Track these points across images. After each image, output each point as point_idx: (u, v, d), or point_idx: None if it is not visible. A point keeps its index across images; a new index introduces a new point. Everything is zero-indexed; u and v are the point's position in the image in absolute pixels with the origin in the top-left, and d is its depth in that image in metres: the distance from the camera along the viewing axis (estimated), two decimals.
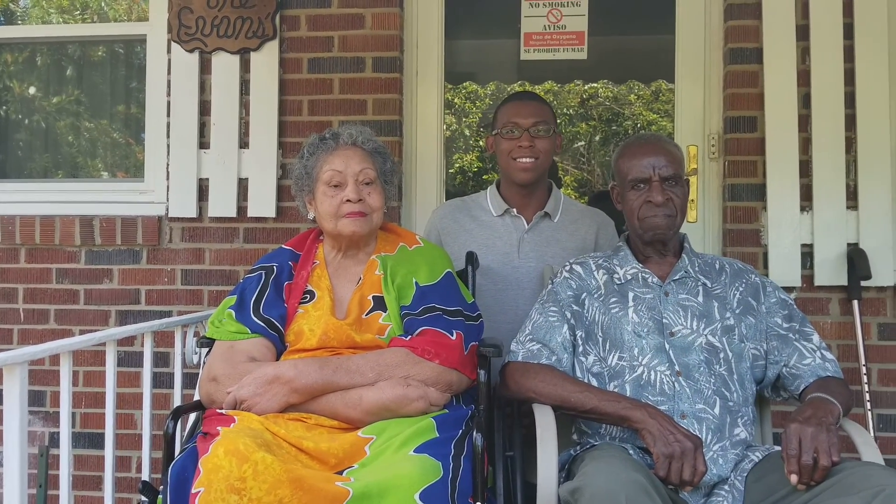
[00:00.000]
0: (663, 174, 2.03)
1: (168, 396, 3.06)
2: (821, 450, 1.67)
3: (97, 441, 3.22)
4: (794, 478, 1.68)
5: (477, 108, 9.62)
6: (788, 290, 2.95)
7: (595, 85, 9.15)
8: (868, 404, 2.82)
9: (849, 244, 2.95)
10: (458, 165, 9.32)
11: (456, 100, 9.31)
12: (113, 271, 3.31)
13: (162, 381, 3.05)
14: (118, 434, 3.16)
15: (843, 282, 2.94)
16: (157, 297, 3.29)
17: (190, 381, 2.39)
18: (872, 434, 2.81)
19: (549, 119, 2.49)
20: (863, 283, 2.91)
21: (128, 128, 3.64)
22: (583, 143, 10.24)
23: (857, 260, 2.88)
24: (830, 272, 2.95)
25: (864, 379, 2.84)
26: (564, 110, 9.69)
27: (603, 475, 1.57)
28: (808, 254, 2.98)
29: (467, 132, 9.90)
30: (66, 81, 3.66)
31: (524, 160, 2.45)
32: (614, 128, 9.74)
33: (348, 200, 2.03)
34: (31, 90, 3.67)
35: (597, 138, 10.07)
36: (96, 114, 3.65)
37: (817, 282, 2.97)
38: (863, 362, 2.85)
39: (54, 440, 3.26)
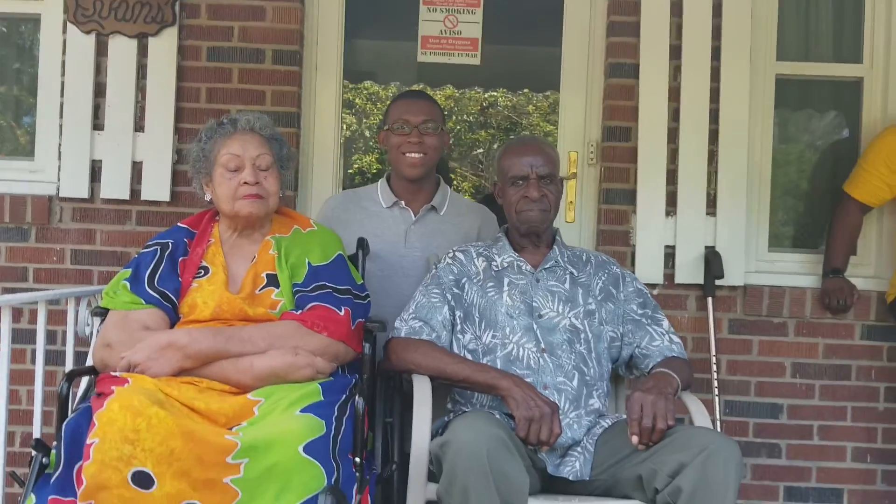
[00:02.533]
0: (540, 172, 2.24)
1: (55, 374, 3.07)
2: (658, 415, 1.91)
3: None
4: (634, 438, 1.93)
5: (378, 109, 9.72)
6: (652, 286, 3.21)
7: (494, 94, 9.41)
8: (716, 391, 3.12)
9: (706, 247, 3.23)
10: (357, 166, 9.41)
11: (357, 100, 9.40)
12: (0, 248, 3.28)
13: (51, 358, 3.04)
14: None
15: (700, 280, 3.22)
16: (45, 276, 3.28)
17: (79, 358, 2.43)
18: (719, 418, 3.11)
19: (437, 117, 2.66)
20: (717, 282, 3.19)
21: (8, 109, 3.60)
22: (481, 150, 10.48)
23: (712, 261, 3.17)
24: (689, 271, 3.23)
25: (714, 368, 3.13)
26: (465, 117, 9.93)
27: (468, 430, 1.76)
28: (670, 254, 3.25)
29: (367, 133, 10.00)
30: None
31: (413, 155, 2.61)
32: (512, 136, 10.01)
33: (245, 183, 2.13)
34: None
35: (495, 146, 10.31)
36: None
37: (677, 280, 3.24)
38: (713, 353, 3.14)
39: None
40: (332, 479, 1.73)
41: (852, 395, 3.31)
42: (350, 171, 9.06)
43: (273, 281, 2.13)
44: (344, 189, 3.45)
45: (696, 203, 3.24)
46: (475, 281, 2.27)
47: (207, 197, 2.24)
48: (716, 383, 3.11)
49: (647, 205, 3.24)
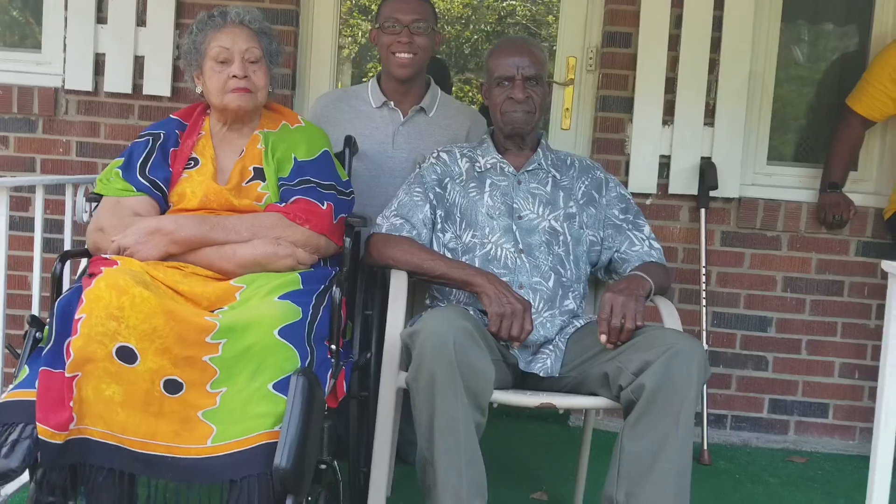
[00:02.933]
0: (526, 74, 2.25)
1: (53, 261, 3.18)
2: (628, 315, 1.97)
3: None
4: (603, 337, 1.99)
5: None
6: (645, 196, 3.25)
7: (513, 2, 9.19)
8: (704, 301, 3.18)
9: (702, 157, 3.24)
10: (371, 74, 9.24)
11: (373, 6, 9.20)
12: (9, 138, 3.36)
13: (54, 245, 3.16)
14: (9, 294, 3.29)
15: (694, 191, 3.24)
16: (51, 167, 3.36)
17: (78, 244, 2.52)
18: (706, 328, 3.18)
19: (429, 17, 2.64)
20: (711, 194, 3.22)
21: (27, 7, 3.61)
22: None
23: (707, 172, 3.19)
24: (683, 182, 3.25)
25: (703, 280, 3.19)
26: (482, 26, 9.73)
27: (436, 321, 1.84)
28: (665, 164, 3.26)
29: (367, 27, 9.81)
30: None
31: (402, 55, 2.61)
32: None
33: (234, 76, 2.16)
34: None
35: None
36: None
37: (671, 190, 3.26)
38: (703, 264, 3.19)
39: None
40: (307, 362, 1.82)
41: (844, 311, 3.35)
42: (364, 79, 8.91)
43: (259, 174, 2.19)
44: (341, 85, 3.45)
45: (694, 113, 3.24)
46: (458, 181, 2.31)
47: (198, 90, 2.27)
48: (704, 294, 3.17)
49: (644, 113, 3.24)
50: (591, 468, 2.48)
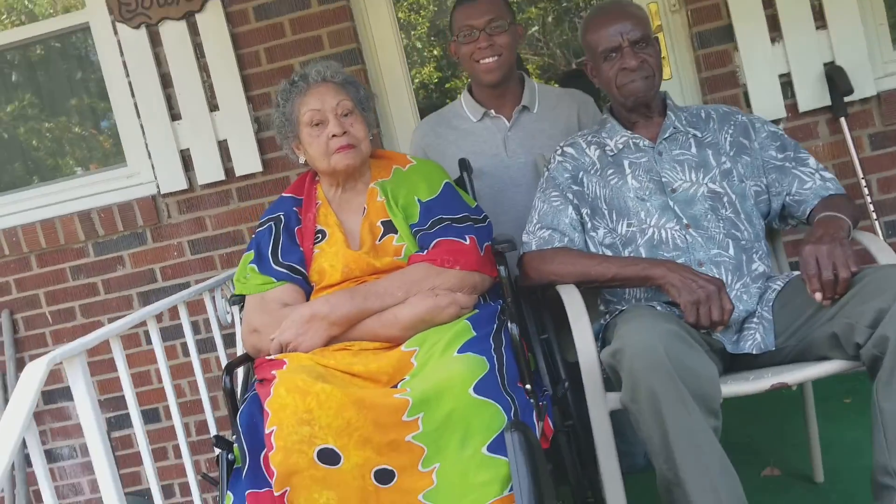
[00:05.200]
0: (632, 38, 2.04)
1: (208, 361, 3.17)
2: (838, 264, 1.72)
3: (152, 416, 3.37)
4: (818, 295, 1.74)
5: (423, 17, 9.42)
6: (775, 122, 2.99)
7: None
8: (874, 214, 2.90)
9: (825, 64, 2.97)
10: (417, 80, 9.18)
11: (399, 14, 9.12)
12: (123, 257, 3.37)
13: (199, 347, 3.13)
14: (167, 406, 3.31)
15: (827, 102, 2.96)
16: (171, 272, 3.36)
17: (228, 340, 2.47)
18: (882, 241, 2.89)
19: (503, 13, 2.46)
20: (846, 99, 2.94)
21: (86, 119, 3.63)
22: (536, 27, 10.03)
23: (836, 77, 2.91)
24: (812, 96, 2.98)
25: (866, 191, 2.91)
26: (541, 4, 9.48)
27: (639, 332, 1.64)
28: (787, 83, 3.00)
29: (419, 45, 9.73)
30: (13, 87, 3.64)
31: (487, 61, 2.44)
32: (565, 4, 9.53)
33: (334, 135, 2.06)
34: None
35: (549, 19, 9.86)
36: (54, 112, 3.64)
37: (801, 108, 2.99)
38: (861, 175, 2.91)
39: (110, 424, 3.39)
40: (511, 413, 1.67)
41: None
42: (412, 86, 8.83)
43: (390, 227, 2.07)
44: (420, 110, 3.33)
45: (802, 19, 2.96)
46: (592, 172, 2.12)
47: (301, 160, 2.18)
48: (871, 207, 2.89)
49: (748, 36, 2.99)
50: (822, 432, 2.26)
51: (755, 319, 1.92)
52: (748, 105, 3.01)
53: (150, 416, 3.37)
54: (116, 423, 3.42)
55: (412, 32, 9.64)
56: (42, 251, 3.38)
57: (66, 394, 3.36)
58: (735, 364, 1.92)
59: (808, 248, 1.77)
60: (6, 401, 3.31)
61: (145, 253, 3.36)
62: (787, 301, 1.90)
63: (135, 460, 3.41)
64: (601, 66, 2.10)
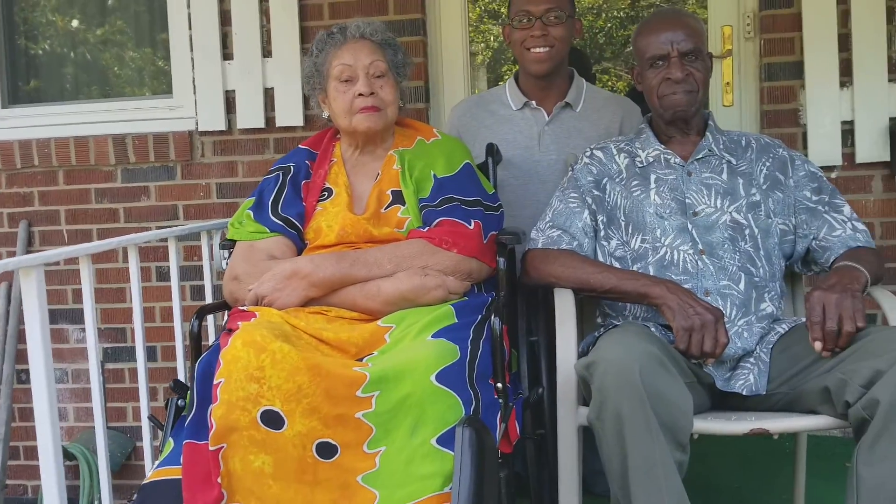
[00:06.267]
0: (682, 49, 1.95)
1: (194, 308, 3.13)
2: (845, 316, 1.63)
3: (150, 354, 3.33)
4: (818, 345, 1.66)
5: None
6: (829, 169, 2.86)
7: None
8: None
9: (891, 118, 2.83)
10: (507, 78, 9.01)
11: (502, 9, 9.00)
12: (150, 188, 3.36)
13: (198, 294, 3.10)
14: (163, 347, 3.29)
15: (886, 157, 2.83)
16: (194, 212, 3.33)
17: (218, 291, 2.43)
18: None
19: (563, 4, 2.38)
20: None
21: (143, 46, 3.62)
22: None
23: None
24: (872, 148, 2.84)
25: None
26: (615, 13, 9.31)
27: (616, 348, 1.56)
28: (848, 131, 2.87)
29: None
30: (107, 12, 3.65)
31: (538, 50, 2.36)
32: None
33: (360, 95, 1.99)
34: (74, 23, 3.66)
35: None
36: (140, 42, 3.63)
37: (859, 159, 2.86)
38: None
39: (106, 355, 3.38)
40: (471, 409, 1.60)
41: None
42: (500, 83, 8.66)
43: (398, 198, 2.00)
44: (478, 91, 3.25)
45: (875, 68, 2.83)
46: (617, 180, 2.03)
47: (325, 114, 2.13)
48: None
49: (818, 76, 2.86)
50: (813, 490, 2.15)
51: (752, 360, 1.82)
52: (805, 147, 2.89)
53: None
54: (113, 354, 3.40)
55: (494, 23, 9.52)
56: (71, 168, 3.37)
57: (66, 315, 3.39)
58: (723, 402, 1.83)
59: (816, 295, 1.68)
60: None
61: (172, 188, 3.34)
62: (787, 346, 1.80)
63: (125, 395, 3.39)
64: (646, 72, 2.01)
